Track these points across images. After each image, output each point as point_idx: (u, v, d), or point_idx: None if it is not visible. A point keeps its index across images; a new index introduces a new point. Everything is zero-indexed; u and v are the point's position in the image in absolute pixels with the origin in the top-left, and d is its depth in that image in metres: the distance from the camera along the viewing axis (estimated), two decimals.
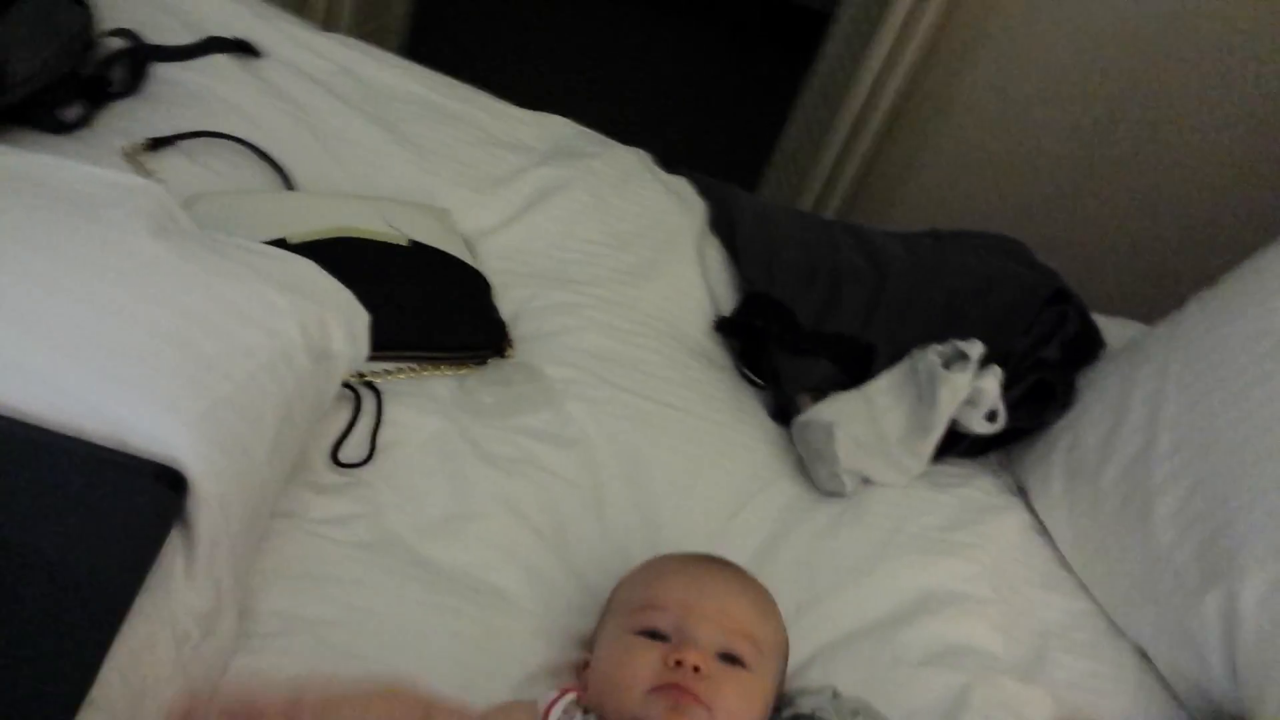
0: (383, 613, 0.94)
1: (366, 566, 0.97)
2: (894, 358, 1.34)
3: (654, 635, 0.91)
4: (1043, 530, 1.29)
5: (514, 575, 1.03)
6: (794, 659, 1.06)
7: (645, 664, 0.89)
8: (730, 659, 0.91)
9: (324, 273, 1.02)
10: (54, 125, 1.25)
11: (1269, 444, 1.07)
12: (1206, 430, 1.13)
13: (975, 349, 1.26)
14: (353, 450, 1.08)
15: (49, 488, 0.77)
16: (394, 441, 1.10)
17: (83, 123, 1.28)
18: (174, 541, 0.80)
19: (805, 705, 0.95)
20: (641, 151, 1.68)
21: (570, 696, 0.88)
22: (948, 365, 1.26)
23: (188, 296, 0.90)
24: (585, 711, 0.87)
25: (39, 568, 0.73)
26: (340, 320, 1.00)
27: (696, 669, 0.88)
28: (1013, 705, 1.06)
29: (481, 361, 1.23)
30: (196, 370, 0.86)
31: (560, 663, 0.98)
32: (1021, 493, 1.34)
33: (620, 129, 1.74)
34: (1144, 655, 1.17)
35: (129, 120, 1.30)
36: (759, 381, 1.38)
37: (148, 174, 1.29)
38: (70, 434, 0.79)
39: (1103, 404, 1.27)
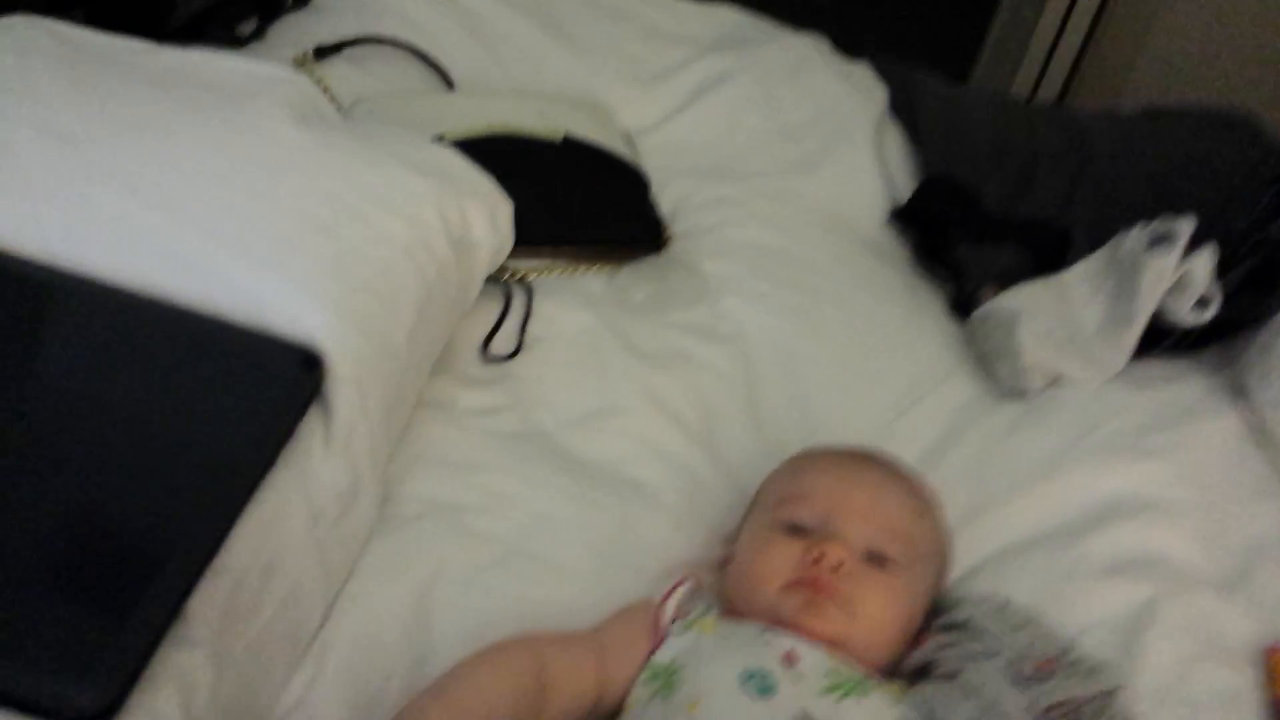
0: (522, 500, 0.94)
1: (509, 456, 0.97)
2: (1094, 244, 1.20)
3: (797, 530, 0.87)
4: (1261, 438, 1.14)
5: (657, 470, 1.00)
6: (960, 567, 0.98)
7: (784, 558, 0.84)
8: (877, 559, 0.85)
9: (466, 160, 1.02)
10: (229, 40, 1.30)
11: None
12: None
13: (1185, 228, 1.12)
14: (502, 345, 1.08)
15: (192, 367, 0.81)
16: (543, 336, 1.09)
17: (256, 36, 1.32)
18: (312, 421, 0.83)
19: (962, 613, 0.88)
20: (818, 37, 1.58)
21: (687, 585, 0.85)
22: (1152, 247, 1.12)
23: (328, 182, 0.91)
24: (706, 603, 0.85)
25: (179, 439, 0.77)
26: (481, 208, 1.00)
27: (838, 566, 0.83)
28: (1208, 623, 0.94)
29: (636, 257, 1.20)
30: (337, 255, 0.87)
31: (701, 558, 0.95)
32: (1241, 394, 1.19)
33: (806, 17, 1.63)
34: None
35: (299, 31, 1.33)
36: (939, 275, 1.29)
37: (319, 82, 1.33)
38: (214, 315, 0.82)
39: None
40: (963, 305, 1.22)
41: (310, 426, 0.82)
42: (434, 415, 0.99)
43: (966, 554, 0.99)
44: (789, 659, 0.78)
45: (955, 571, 0.98)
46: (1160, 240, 1.13)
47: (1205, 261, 1.11)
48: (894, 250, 1.33)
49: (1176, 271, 1.12)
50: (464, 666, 0.77)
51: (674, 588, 0.85)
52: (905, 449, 1.07)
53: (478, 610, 0.85)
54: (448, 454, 0.96)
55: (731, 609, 0.88)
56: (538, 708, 0.77)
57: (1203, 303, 1.13)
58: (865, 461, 0.93)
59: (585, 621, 0.85)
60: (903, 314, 1.22)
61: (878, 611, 0.83)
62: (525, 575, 0.88)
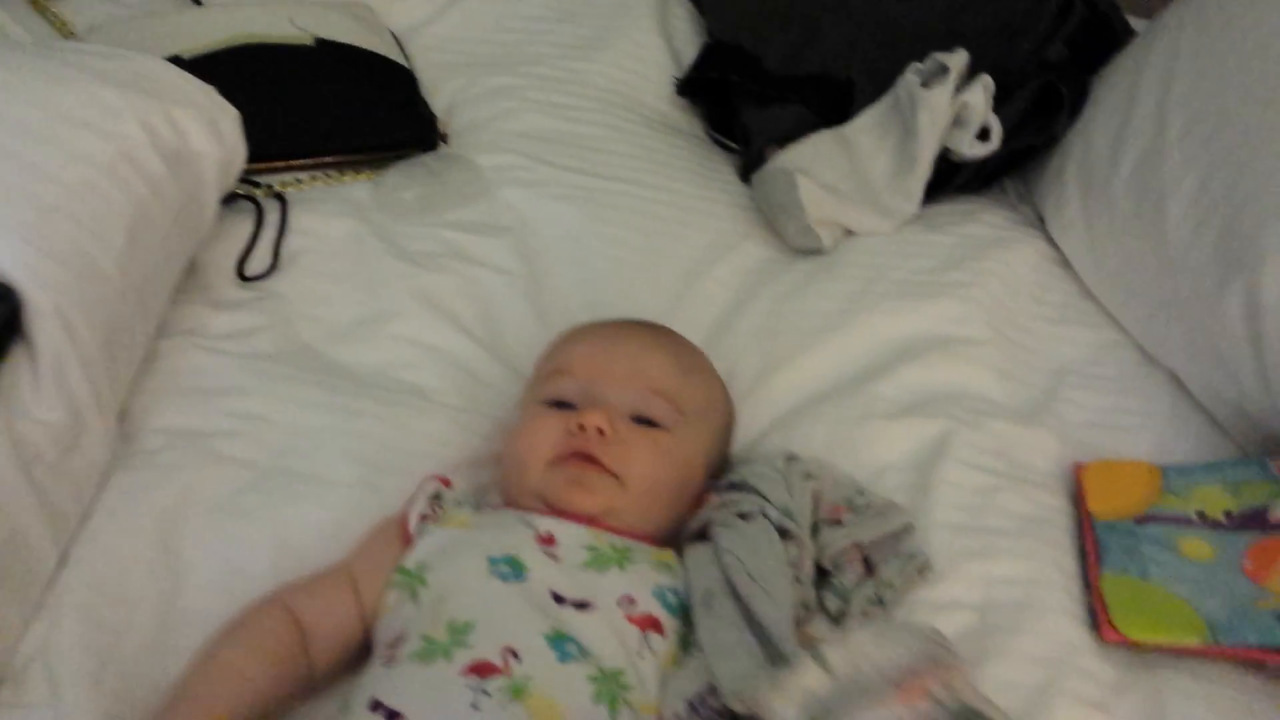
0: (280, 420, 0.88)
1: (265, 377, 0.91)
2: (879, 93, 1.17)
3: (560, 404, 0.83)
4: (1066, 261, 1.13)
5: (434, 371, 0.95)
6: (754, 428, 0.96)
7: (546, 432, 0.81)
8: (644, 420, 0.82)
9: (174, 70, 0.94)
10: None
11: None
12: (1218, 100, 0.93)
13: (957, 60, 1.09)
14: (259, 264, 1.01)
15: None
16: (303, 250, 1.03)
17: None
18: (15, 358, 0.76)
19: (745, 472, 0.85)
20: None
21: (432, 486, 0.80)
22: (927, 84, 1.09)
23: (8, 107, 0.83)
24: (463, 499, 0.80)
25: None
26: (196, 117, 0.92)
27: (601, 431, 0.79)
28: (1005, 450, 0.92)
29: (406, 158, 1.14)
30: (20, 180, 0.80)
31: (484, 453, 0.90)
32: (1041, 222, 1.17)
33: None
34: (1179, 382, 1.01)
35: None
36: (731, 144, 1.24)
37: (54, 17, 1.23)
38: None
39: (1112, 99, 1.08)
40: (751, 170, 1.17)
41: (12, 364, 0.76)
42: (183, 343, 0.93)
43: (761, 414, 0.96)
44: (545, 541, 0.75)
45: (750, 433, 0.96)
46: (934, 76, 1.10)
47: (980, 92, 1.08)
48: (686, 123, 1.28)
49: (953, 105, 1.08)
50: (215, 651, 0.71)
51: (417, 492, 0.80)
52: (698, 318, 1.04)
53: (232, 537, 0.80)
54: (197, 382, 0.90)
55: (509, 500, 0.84)
56: (307, 663, 0.72)
57: (984, 134, 1.10)
58: (626, 328, 0.90)
59: (351, 536, 0.80)
60: (694, 186, 1.17)
61: (648, 471, 0.80)
62: (283, 495, 0.83)
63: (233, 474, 0.83)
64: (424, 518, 0.78)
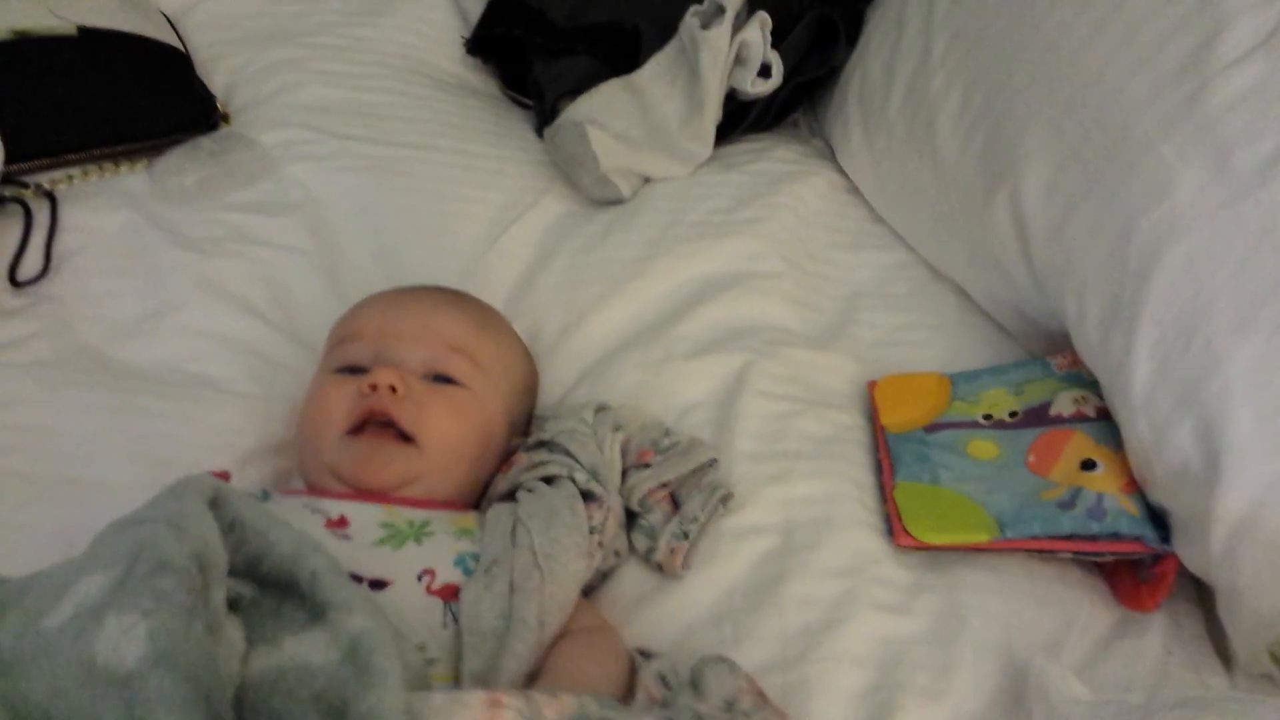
0: (61, 428, 0.85)
1: (44, 385, 0.87)
2: (665, 39, 1.17)
3: (351, 370, 0.81)
4: (855, 189, 1.16)
5: (224, 361, 0.93)
6: (560, 384, 0.96)
7: (339, 398, 0.79)
8: (439, 377, 0.81)
9: None
10: None
11: (1039, 10, 0.91)
12: (976, 17, 0.97)
13: (732, 0, 1.10)
14: (31, 267, 0.96)
15: None
16: (78, 248, 0.99)
17: None
18: None
19: (554, 429, 0.85)
20: None
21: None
22: (706, 26, 1.10)
23: None
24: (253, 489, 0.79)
25: None
26: None
27: (394, 389, 0.78)
28: (802, 376, 0.95)
29: (184, 142, 1.09)
30: None
31: (283, 438, 0.89)
32: (832, 153, 1.20)
33: None
34: (964, 293, 1.05)
35: None
36: (526, 101, 1.24)
37: None
38: None
39: (884, 26, 1.11)
40: (545, 124, 1.17)
41: None
42: None
43: (567, 368, 0.97)
44: (337, 524, 0.73)
45: (558, 387, 0.96)
46: (712, 17, 1.11)
47: (757, 29, 1.10)
48: (480, 83, 1.27)
49: (733, 45, 1.10)
50: None
51: None
52: (499, 279, 1.04)
53: (16, 556, 0.76)
54: None
55: (308, 479, 0.83)
56: None
57: (766, 71, 1.12)
58: (417, 290, 0.89)
59: None
60: (489, 146, 1.16)
61: (446, 429, 0.79)
62: (69, 504, 0.80)
63: (14, 489, 0.80)
64: None
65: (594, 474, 0.81)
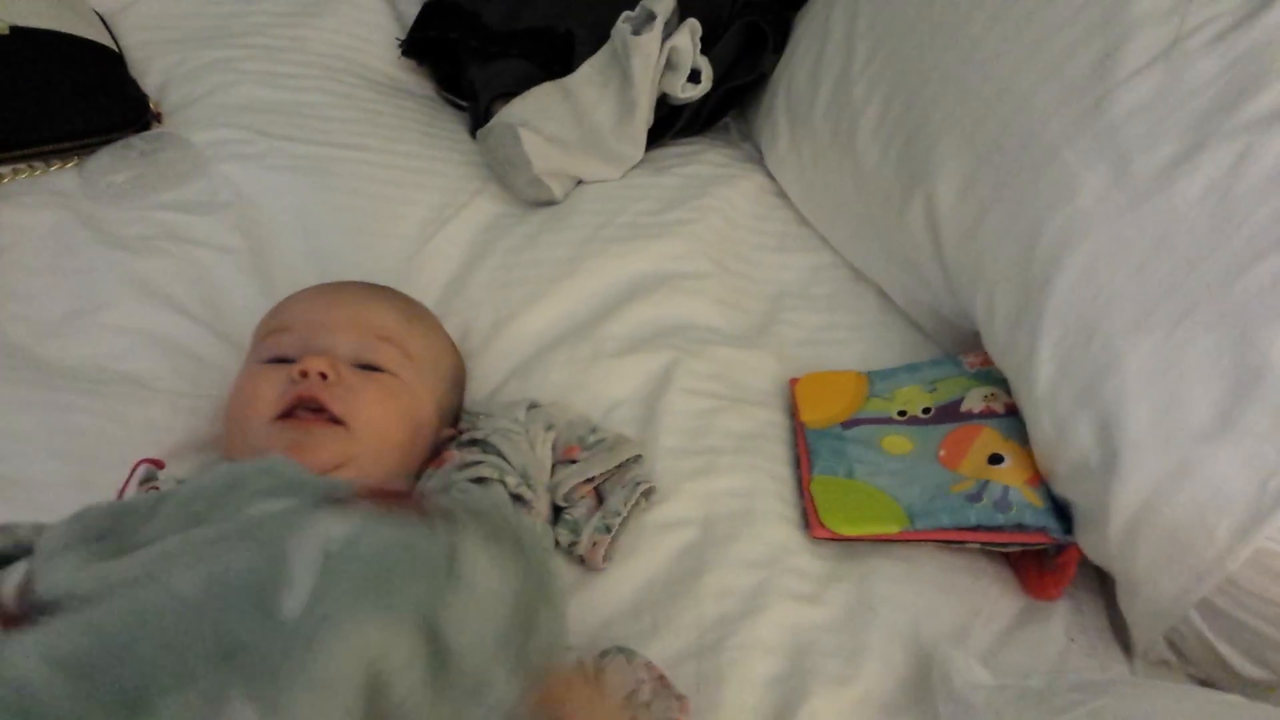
0: None
1: None
2: (599, 43, 1.19)
3: (281, 360, 0.82)
4: (783, 192, 1.19)
5: (151, 358, 0.93)
6: (490, 381, 0.98)
7: (269, 386, 0.80)
8: (368, 366, 0.82)
9: None
10: None
11: (954, 22, 0.94)
12: (896, 26, 1.00)
13: (663, 5, 1.12)
14: None
15: None
16: (6, 245, 0.99)
17: None
18: None
19: (488, 428, 0.87)
20: None
21: (142, 469, 0.79)
22: (638, 31, 1.12)
23: None
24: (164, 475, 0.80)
25: None
26: None
27: (324, 376, 0.79)
28: (726, 374, 0.98)
29: (114, 141, 1.10)
30: None
31: (210, 434, 0.89)
32: (761, 157, 1.23)
33: None
34: (884, 295, 1.08)
35: None
36: (461, 102, 1.25)
37: None
38: None
39: (810, 33, 1.14)
40: (479, 126, 1.18)
41: None
42: None
43: (497, 366, 0.99)
44: None
45: (488, 384, 0.98)
46: (643, 23, 1.13)
47: (687, 35, 1.12)
48: (415, 84, 1.28)
49: (663, 51, 1.12)
50: None
51: (129, 478, 0.79)
52: (431, 278, 1.05)
53: None
54: None
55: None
56: None
57: (695, 76, 1.14)
58: (346, 285, 0.90)
59: None
60: (423, 147, 1.17)
61: (376, 414, 0.80)
62: None
63: None
64: None
65: (524, 477, 0.82)
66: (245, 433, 0.80)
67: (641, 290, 1.03)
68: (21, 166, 1.05)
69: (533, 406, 0.91)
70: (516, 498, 0.81)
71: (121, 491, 0.78)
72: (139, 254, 1.00)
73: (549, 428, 0.89)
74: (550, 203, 1.14)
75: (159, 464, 0.80)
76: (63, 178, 1.06)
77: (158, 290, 0.98)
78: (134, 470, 0.79)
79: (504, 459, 0.83)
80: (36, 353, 0.92)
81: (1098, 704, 0.69)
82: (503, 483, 0.81)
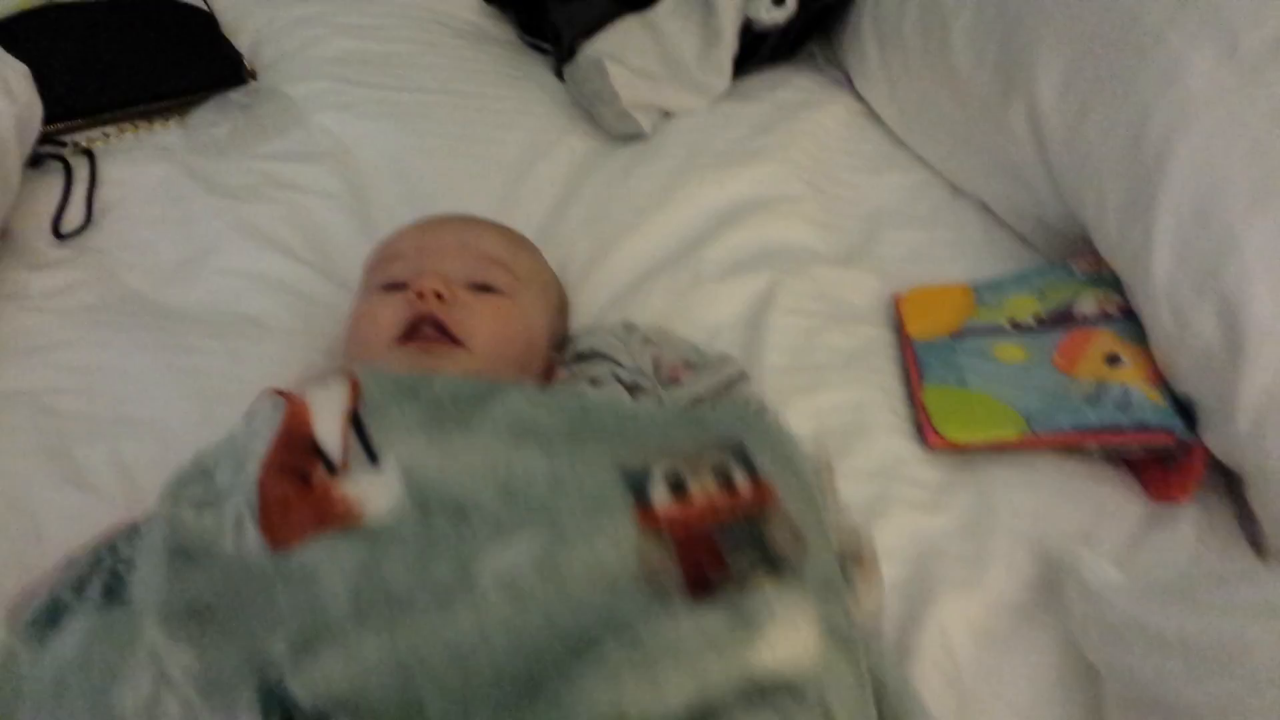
0: (112, 368, 0.87)
1: (93, 328, 0.91)
2: None
3: (395, 287, 0.82)
4: (873, 114, 1.17)
5: (264, 300, 0.95)
6: (590, 311, 0.98)
7: (387, 310, 0.80)
8: (480, 287, 0.82)
9: None
10: None
11: None
12: None
13: None
14: (73, 221, 1.00)
15: None
16: (118, 200, 1.02)
17: None
18: None
19: (591, 341, 0.87)
20: None
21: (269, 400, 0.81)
22: None
23: None
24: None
25: None
26: None
27: (439, 296, 0.79)
28: (828, 293, 0.97)
29: (214, 97, 1.12)
30: None
31: (325, 368, 0.91)
32: (848, 80, 1.21)
33: None
34: (986, 208, 1.06)
35: None
36: (544, 45, 1.25)
37: None
38: None
39: None
40: (564, 65, 1.19)
41: None
42: (5, 307, 0.92)
43: (597, 296, 0.99)
44: None
45: (588, 314, 0.98)
46: None
47: None
48: (498, 31, 1.29)
49: None
50: None
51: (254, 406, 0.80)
52: (525, 217, 1.06)
53: (80, 487, 0.80)
54: (25, 342, 0.89)
55: None
56: None
57: (779, 1, 1.13)
58: (450, 216, 0.90)
59: None
60: (510, 90, 1.18)
61: (493, 333, 0.80)
62: (123, 442, 0.82)
63: (71, 428, 0.83)
64: None
65: (637, 371, 0.83)
66: (368, 355, 0.80)
67: (736, 215, 1.03)
68: (127, 125, 1.09)
69: (629, 327, 0.91)
70: (635, 387, 0.81)
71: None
72: (244, 201, 1.02)
73: (646, 342, 0.89)
74: (639, 136, 1.14)
75: (289, 398, 0.82)
76: (166, 135, 1.09)
77: (265, 235, 1.00)
78: (258, 399, 0.80)
79: (614, 361, 0.84)
80: (154, 299, 0.95)
81: (1242, 594, 0.67)
82: (617, 378, 0.81)
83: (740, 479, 0.61)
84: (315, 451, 0.63)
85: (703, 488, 0.59)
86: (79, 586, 0.64)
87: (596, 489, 0.60)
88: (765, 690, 0.53)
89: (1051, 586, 0.77)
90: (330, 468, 0.62)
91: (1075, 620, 0.73)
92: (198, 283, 0.96)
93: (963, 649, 0.73)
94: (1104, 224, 0.86)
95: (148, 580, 0.60)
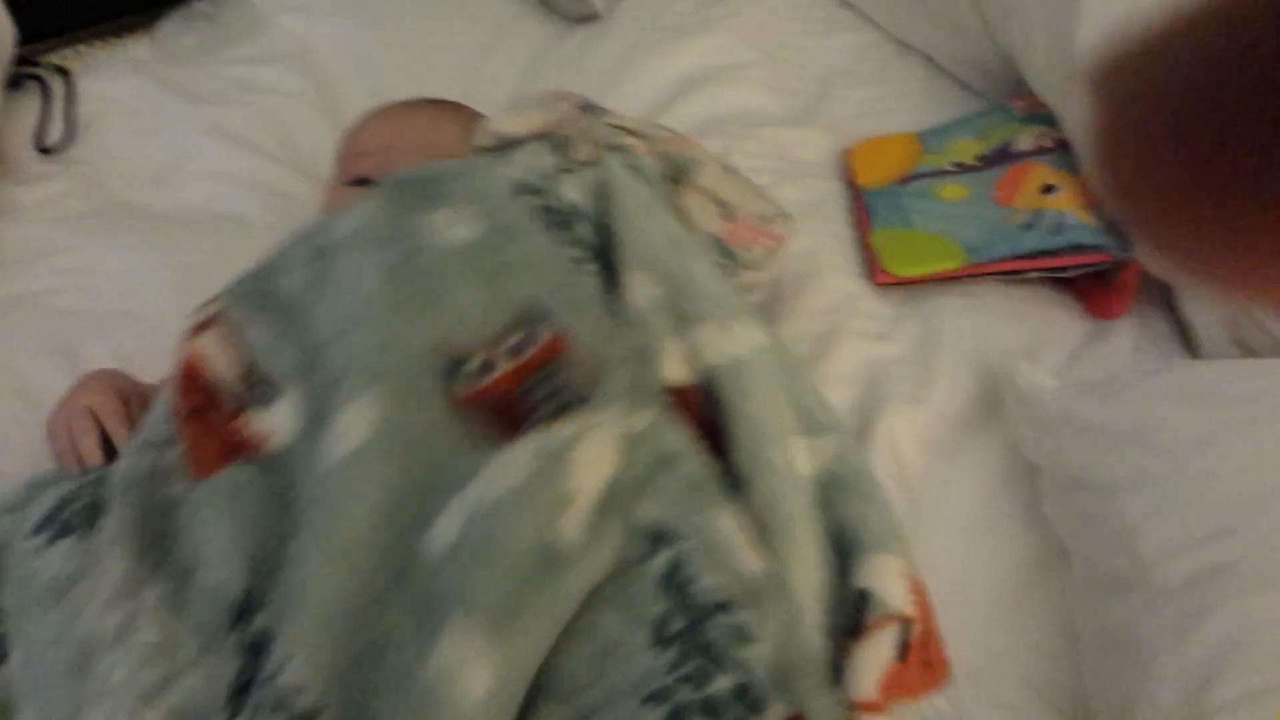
0: (104, 268, 0.93)
1: (84, 233, 0.96)
2: None
3: (363, 183, 0.86)
4: None
5: (244, 199, 1.00)
6: None
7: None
8: None
9: None
10: None
11: None
12: None
13: None
14: (56, 136, 1.04)
15: None
16: (96, 114, 1.06)
17: None
18: None
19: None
20: None
21: None
22: None
23: None
24: None
25: None
26: None
27: None
28: (781, 151, 1.01)
29: (178, 6, 1.15)
30: None
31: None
32: None
33: None
34: (931, 62, 1.10)
35: None
36: None
37: None
38: None
39: None
40: None
41: None
42: None
43: None
44: None
45: None
46: None
47: None
48: None
49: None
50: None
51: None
52: (490, 98, 1.08)
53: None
54: (19, 251, 0.94)
55: None
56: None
57: None
58: (415, 103, 0.94)
59: None
60: None
61: None
62: (122, 332, 0.88)
63: (71, 324, 0.88)
64: None
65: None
66: None
67: (691, 85, 1.07)
68: (97, 42, 1.12)
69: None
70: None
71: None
72: (216, 106, 1.06)
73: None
74: (593, 18, 1.17)
75: None
76: (136, 48, 1.12)
77: (239, 137, 1.04)
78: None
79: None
80: (140, 203, 0.99)
81: (1158, 379, 0.73)
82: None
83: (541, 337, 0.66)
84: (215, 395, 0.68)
85: (506, 362, 0.65)
86: (60, 508, 0.68)
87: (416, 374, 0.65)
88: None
89: (994, 401, 0.82)
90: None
91: (1012, 422, 0.79)
92: (180, 187, 1.00)
93: (911, 457, 0.79)
94: (1032, 58, 0.90)
95: (120, 515, 0.65)
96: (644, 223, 0.74)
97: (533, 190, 0.75)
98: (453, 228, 0.71)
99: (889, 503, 0.68)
